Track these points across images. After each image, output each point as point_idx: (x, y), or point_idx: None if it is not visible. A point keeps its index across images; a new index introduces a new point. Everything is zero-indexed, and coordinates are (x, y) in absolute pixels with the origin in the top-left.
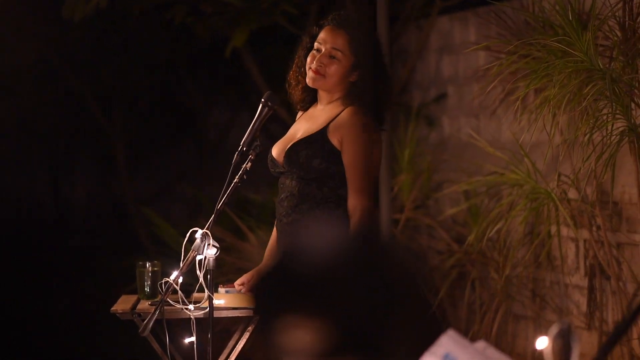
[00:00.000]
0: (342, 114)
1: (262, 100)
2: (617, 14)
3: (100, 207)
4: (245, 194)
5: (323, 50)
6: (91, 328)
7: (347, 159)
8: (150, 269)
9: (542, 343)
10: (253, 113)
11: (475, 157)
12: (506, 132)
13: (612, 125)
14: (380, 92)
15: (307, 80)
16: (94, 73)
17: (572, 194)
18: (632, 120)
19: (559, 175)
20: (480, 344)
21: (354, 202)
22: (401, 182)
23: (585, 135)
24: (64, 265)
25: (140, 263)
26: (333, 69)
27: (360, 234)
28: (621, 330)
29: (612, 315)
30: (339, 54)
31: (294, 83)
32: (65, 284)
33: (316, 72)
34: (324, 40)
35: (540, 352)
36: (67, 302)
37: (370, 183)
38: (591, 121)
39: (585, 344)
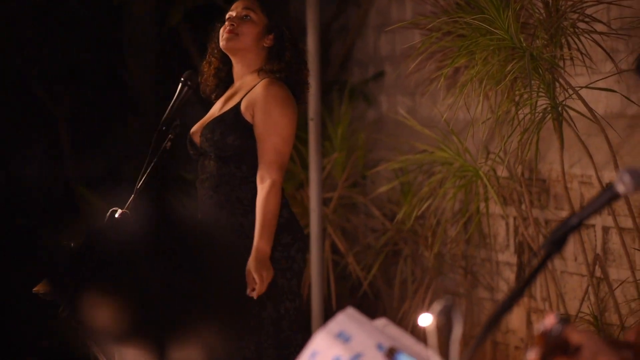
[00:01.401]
0: (256, 87)
1: (182, 79)
2: None
3: (49, 188)
4: (178, 172)
5: (235, 14)
6: (27, 309)
7: (257, 131)
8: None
9: (426, 320)
10: (198, 92)
11: (411, 136)
12: (438, 110)
13: (536, 103)
14: (293, 64)
15: (221, 43)
16: (36, 52)
17: (503, 171)
18: (555, 98)
19: (488, 153)
20: (381, 322)
21: (262, 174)
22: (334, 161)
23: (507, 112)
24: (8, 245)
25: (65, 243)
26: (246, 28)
27: (274, 208)
28: (509, 303)
29: (540, 292)
30: (251, 13)
31: (206, 68)
32: (8, 264)
33: (230, 31)
34: (234, 7)
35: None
36: (5, 282)
37: (282, 157)
38: (516, 98)
39: (514, 319)
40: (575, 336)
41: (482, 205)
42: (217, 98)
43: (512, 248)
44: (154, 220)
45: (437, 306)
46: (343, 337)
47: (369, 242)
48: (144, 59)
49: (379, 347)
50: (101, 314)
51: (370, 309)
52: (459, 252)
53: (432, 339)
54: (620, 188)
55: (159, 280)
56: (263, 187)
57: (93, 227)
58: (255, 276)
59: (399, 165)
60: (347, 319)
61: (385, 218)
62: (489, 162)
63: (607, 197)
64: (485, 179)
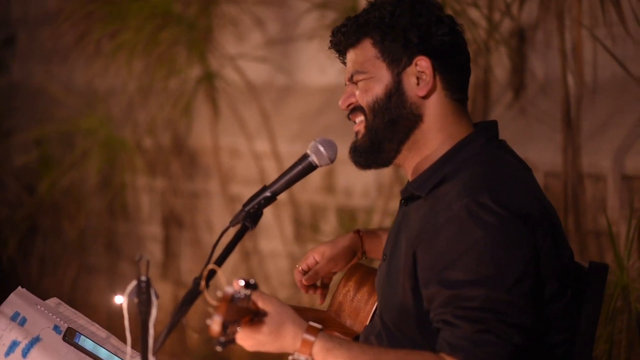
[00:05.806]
0: None
1: None
2: None
3: None
4: None
5: None
6: None
7: None
8: None
9: (119, 300)
10: None
11: (49, 104)
12: (81, 77)
13: (189, 72)
14: None
15: None
16: None
17: (150, 142)
18: (209, 67)
19: (135, 124)
20: (53, 300)
21: None
22: None
23: (158, 81)
24: None
25: None
26: None
27: None
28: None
29: (186, 264)
30: None
31: None
32: None
33: None
34: None
35: (117, 307)
36: None
37: None
38: (169, 67)
39: (160, 294)
40: (261, 303)
41: (127, 177)
42: None
43: (157, 220)
44: None
45: (132, 285)
46: (18, 320)
47: (6, 216)
48: None
49: (56, 328)
50: None
51: (6, 286)
52: (102, 226)
53: (126, 320)
54: (315, 159)
55: None
56: None
57: None
58: None
59: (39, 134)
60: (19, 300)
61: (24, 191)
62: (137, 133)
63: (302, 168)
64: (131, 150)
